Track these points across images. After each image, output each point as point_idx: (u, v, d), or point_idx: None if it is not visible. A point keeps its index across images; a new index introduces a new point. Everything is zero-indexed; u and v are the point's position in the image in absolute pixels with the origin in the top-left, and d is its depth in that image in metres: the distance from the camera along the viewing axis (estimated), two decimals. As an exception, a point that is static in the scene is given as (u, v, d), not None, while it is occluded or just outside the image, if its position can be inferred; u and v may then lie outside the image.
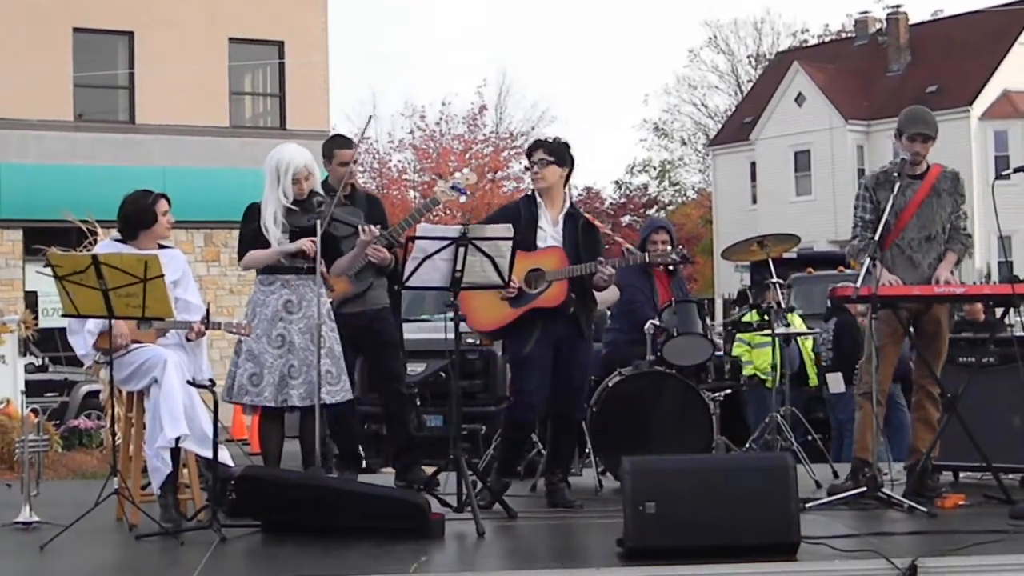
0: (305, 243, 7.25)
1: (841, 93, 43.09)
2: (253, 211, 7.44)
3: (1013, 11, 41.43)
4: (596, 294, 8.45)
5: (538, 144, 7.79)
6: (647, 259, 7.79)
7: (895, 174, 7.61)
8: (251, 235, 7.44)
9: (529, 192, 7.87)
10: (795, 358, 12.04)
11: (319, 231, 7.15)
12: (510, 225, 7.19)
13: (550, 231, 7.61)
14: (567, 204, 7.74)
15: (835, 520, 6.92)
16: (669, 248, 8.88)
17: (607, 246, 8.03)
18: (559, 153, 7.69)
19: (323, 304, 7.36)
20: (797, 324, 11.93)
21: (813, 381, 12.90)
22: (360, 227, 7.40)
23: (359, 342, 8.08)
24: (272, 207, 7.36)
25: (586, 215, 7.79)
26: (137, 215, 7.26)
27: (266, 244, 7.36)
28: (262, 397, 7.25)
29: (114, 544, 6.73)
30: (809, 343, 12.91)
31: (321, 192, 7.45)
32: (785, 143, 43.70)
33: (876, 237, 7.48)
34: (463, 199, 8.46)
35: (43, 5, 23.10)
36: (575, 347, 7.64)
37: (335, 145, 8.37)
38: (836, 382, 11.33)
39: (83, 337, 7.10)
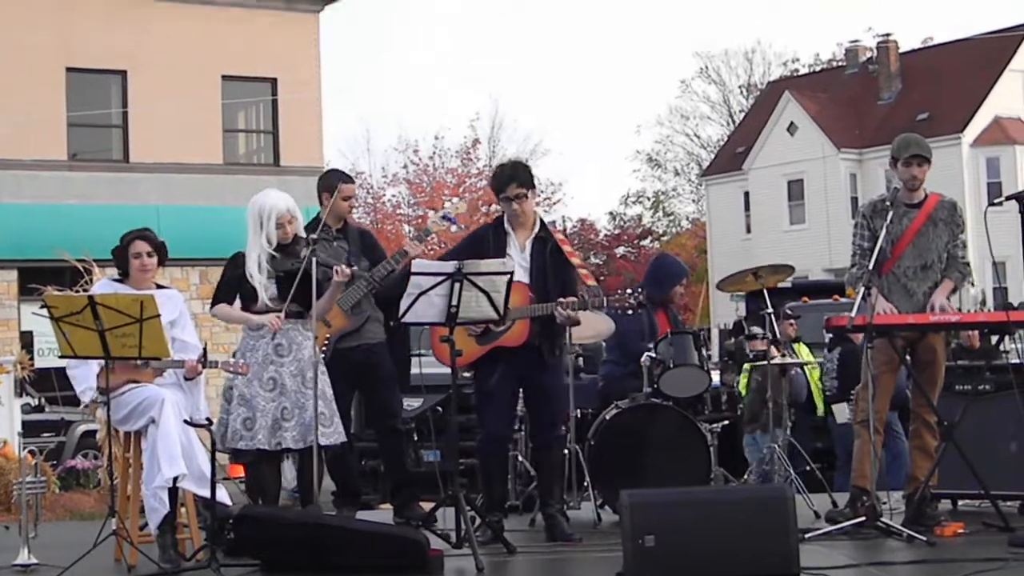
0: (270, 319, 7.26)
1: (833, 122, 43.24)
2: (238, 258, 7.45)
3: (1003, 38, 41.61)
4: (591, 327, 8.44)
5: (509, 177, 7.66)
6: (604, 303, 7.72)
7: (888, 203, 7.63)
8: (231, 281, 7.46)
9: (499, 216, 7.84)
10: (803, 388, 12.00)
11: (313, 276, 7.13)
12: (506, 260, 7.22)
13: (518, 258, 7.58)
14: (537, 226, 7.74)
15: (835, 550, 6.91)
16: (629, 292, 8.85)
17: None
18: (529, 181, 7.70)
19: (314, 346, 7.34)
20: (804, 354, 11.92)
21: (820, 410, 12.88)
22: (335, 268, 7.42)
23: (356, 377, 8.07)
24: (256, 252, 7.36)
25: (556, 237, 7.75)
26: (117, 255, 7.31)
27: (250, 290, 7.38)
28: (255, 440, 7.21)
29: (113, 585, 6.72)
30: (817, 373, 12.89)
31: (304, 237, 7.44)
32: (778, 172, 43.83)
33: (872, 266, 7.49)
34: (454, 229, 8.48)
35: (36, 45, 23.15)
36: (540, 378, 7.66)
37: (339, 179, 8.31)
38: (842, 412, 11.28)
39: (86, 370, 7.09)
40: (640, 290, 7.73)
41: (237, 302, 7.50)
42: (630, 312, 7.92)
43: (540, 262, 7.61)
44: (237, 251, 7.48)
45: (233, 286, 7.46)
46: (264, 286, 7.33)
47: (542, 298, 7.53)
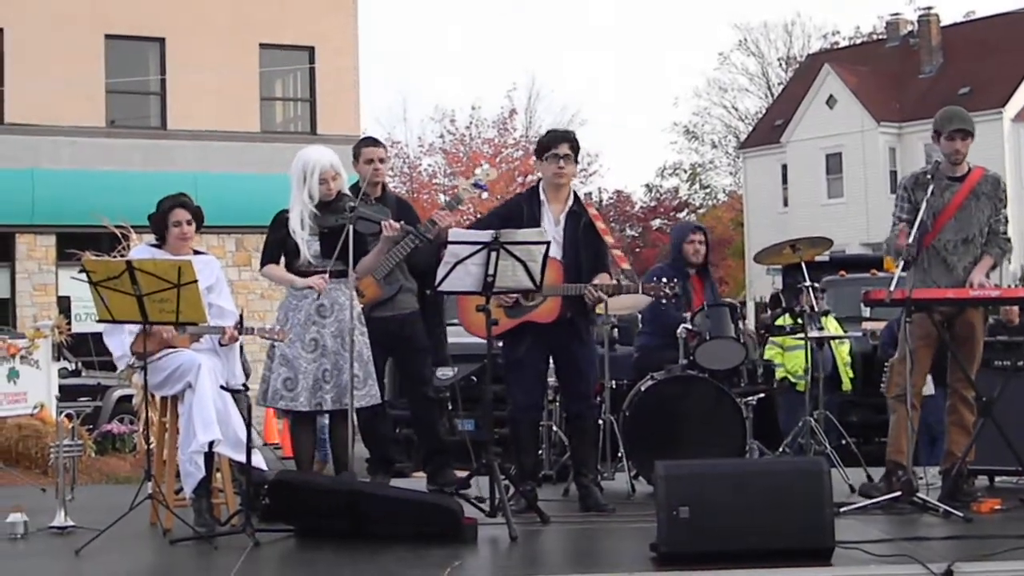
0: (315, 281, 7.28)
1: (873, 95, 42.93)
2: (281, 219, 7.47)
3: (1046, 12, 41.21)
4: (628, 299, 8.41)
5: (562, 136, 7.69)
6: (639, 290, 7.69)
7: (929, 176, 7.56)
8: (276, 243, 7.49)
9: (533, 186, 7.81)
10: (828, 361, 11.94)
11: (349, 233, 7.16)
12: (543, 229, 7.20)
13: (551, 231, 7.53)
14: (571, 200, 7.71)
15: (870, 525, 6.88)
16: (705, 250, 8.95)
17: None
18: (577, 147, 7.70)
19: (355, 308, 7.37)
20: (833, 328, 11.85)
21: (846, 385, 12.84)
22: (383, 223, 7.41)
23: (389, 346, 8.08)
24: (299, 208, 7.39)
25: (590, 212, 7.72)
26: (155, 222, 7.32)
27: (293, 247, 7.40)
28: (297, 402, 7.27)
29: (148, 548, 6.75)
30: (845, 347, 12.82)
31: (349, 194, 7.48)
32: (816, 146, 43.57)
33: (911, 240, 7.42)
34: (485, 196, 8.48)
35: (75, 12, 23.25)
36: (573, 352, 7.65)
37: (362, 144, 8.41)
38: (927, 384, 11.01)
39: (121, 338, 7.13)
40: (676, 281, 7.67)
41: (283, 261, 7.53)
42: (663, 302, 7.91)
43: (573, 237, 7.59)
44: (280, 210, 7.50)
45: (277, 246, 7.49)
46: (307, 242, 7.36)
47: (574, 273, 7.51)
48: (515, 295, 7.41)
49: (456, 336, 8.84)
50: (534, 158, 7.96)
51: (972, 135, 7.66)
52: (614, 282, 7.51)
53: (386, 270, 8.01)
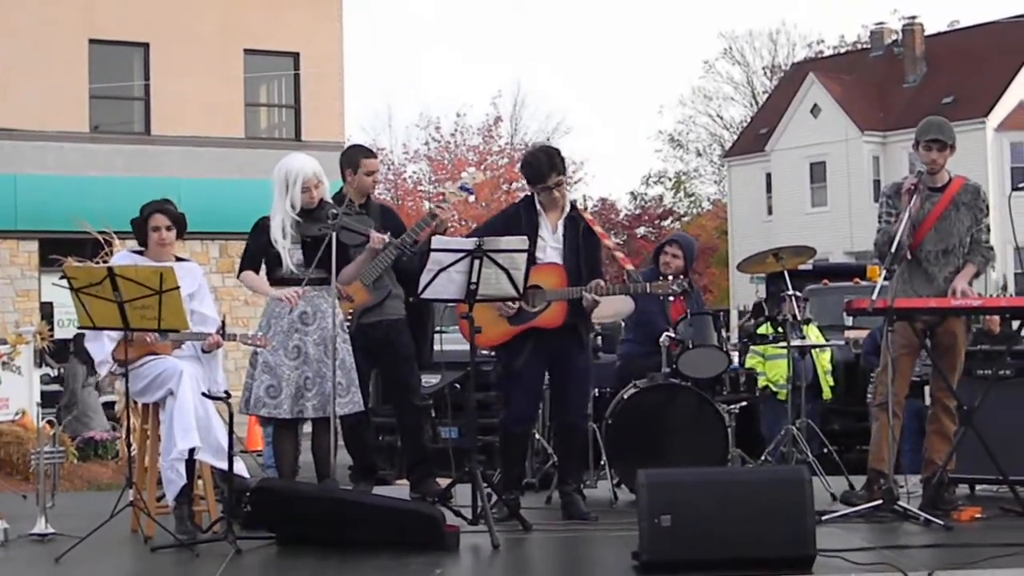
0: (289, 293, 7.26)
1: (857, 104, 43.03)
2: (262, 225, 7.45)
3: (1029, 22, 41.34)
4: (611, 306, 8.43)
5: (549, 168, 7.57)
6: (647, 290, 7.72)
7: (911, 187, 7.58)
8: (256, 249, 7.48)
9: (528, 195, 7.80)
10: (808, 370, 11.97)
11: (333, 241, 7.16)
12: (525, 238, 7.20)
13: (550, 240, 7.57)
14: (567, 207, 7.71)
15: (851, 533, 6.89)
16: (681, 263, 8.92)
17: (607, 260, 7.91)
18: (564, 167, 7.71)
19: (337, 315, 7.36)
20: (814, 336, 11.87)
21: (827, 394, 12.85)
22: (371, 235, 7.41)
23: (375, 353, 8.07)
24: (280, 216, 7.37)
25: (586, 217, 7.74)
26: (137, 227, 7.31)
27: (275, 256, 7.38)
28: (280, 409, 7.25)
29: (129, 556, 6.74)
30: (826, 355, 12.84)
31: (331, 202, 7.46)
32: (801, 154, 43.66)
33: (894, 249, 7.44)
34: (471, 198, 8.53)
35: (59, 17, 23.19)
36: (571, 357, 7.62)
37: (361, 155, 8.35)
38: None
39: (101, 344, 7.12)
40: (683, 277, 7.69)
41: (263, 271, 7.51)
42: (672, 299, 7.92)
43: (573, 243, 7.59)
44: (260, 217, 7.49)
45: (257, 254, 7.48)
46: (289, 251, 7.34)
47: (574, 278, 7.52)
48: (519, 302, 7.40)
49: (453, 343, 8.83)
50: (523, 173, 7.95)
51: (949, 146, 7.68)
52: (620, 282, 7.53)
53: (373, 276, 7.99)
